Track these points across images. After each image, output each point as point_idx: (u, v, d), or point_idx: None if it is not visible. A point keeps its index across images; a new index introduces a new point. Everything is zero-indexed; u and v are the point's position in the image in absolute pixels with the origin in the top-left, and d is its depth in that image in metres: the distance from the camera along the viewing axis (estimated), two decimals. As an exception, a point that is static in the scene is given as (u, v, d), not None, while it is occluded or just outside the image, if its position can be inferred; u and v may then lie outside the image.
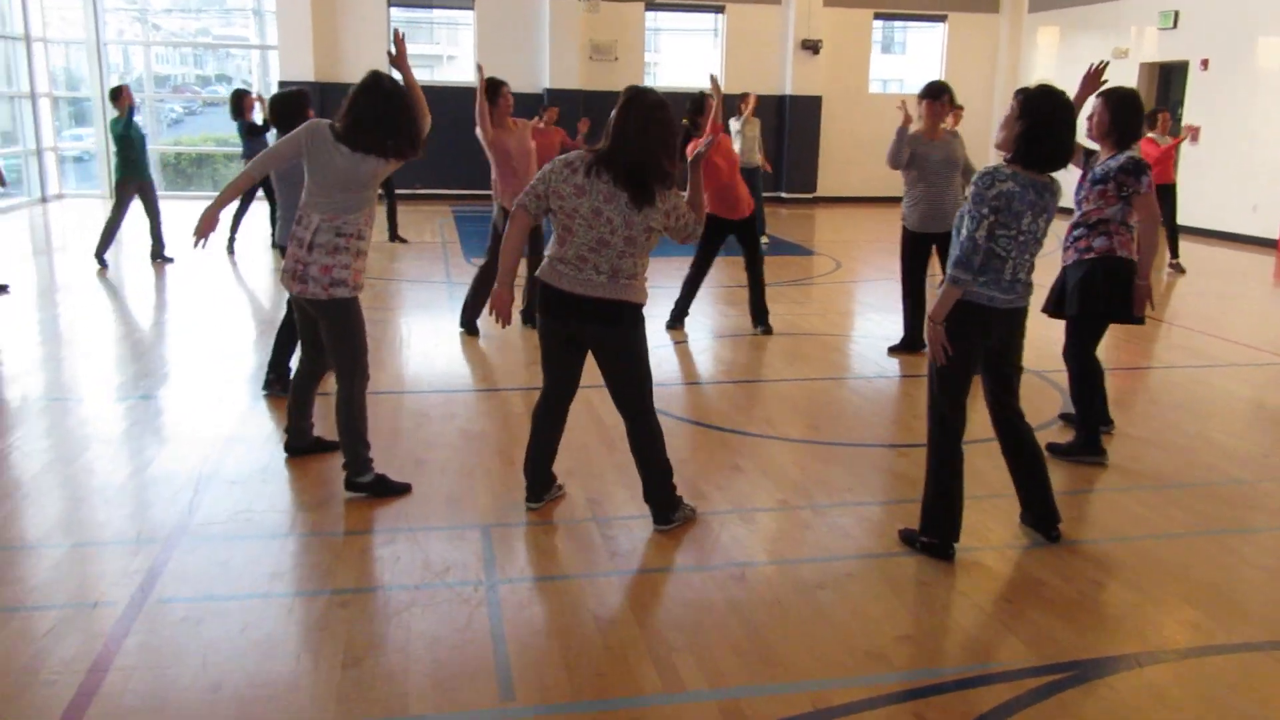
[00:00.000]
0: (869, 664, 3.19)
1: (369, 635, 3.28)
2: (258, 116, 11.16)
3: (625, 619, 3.45)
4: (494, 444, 5.16)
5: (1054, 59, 17.80)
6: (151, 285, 9.58)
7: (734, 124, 12.69)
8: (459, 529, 4.15)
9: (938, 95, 6.70)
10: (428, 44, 19.09)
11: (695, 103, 7.50)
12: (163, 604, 3.45)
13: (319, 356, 4.68)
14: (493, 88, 7.18)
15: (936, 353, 3.76)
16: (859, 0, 18.48)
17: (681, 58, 19.66)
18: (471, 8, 17.40)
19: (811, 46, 18.04)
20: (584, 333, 3.95)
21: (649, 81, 18.42)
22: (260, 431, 5.30)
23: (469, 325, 7.56)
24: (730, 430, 5.51)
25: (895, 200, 16.70)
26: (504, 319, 3.96)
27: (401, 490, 4.46)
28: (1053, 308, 5.11)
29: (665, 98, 3.80)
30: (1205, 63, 14.62)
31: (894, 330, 7.87)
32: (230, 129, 12.60)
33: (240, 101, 11.08)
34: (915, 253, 6.99)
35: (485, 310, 7.55)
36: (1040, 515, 4.12)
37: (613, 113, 3.76)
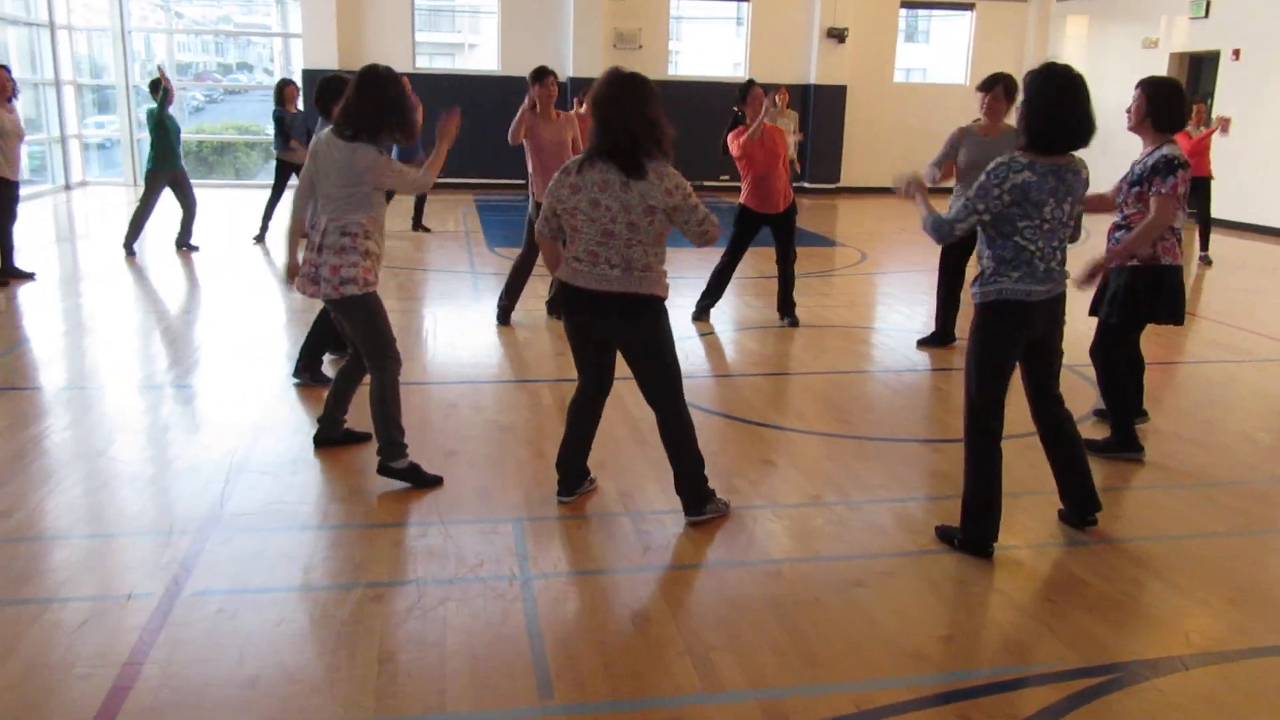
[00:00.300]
0: (911, 664, 3.14)
1: (404, 630, 3.25)
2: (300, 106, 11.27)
3: (662, 615, 3.41)
4: (523, 436, 5.13)
5: (1083, 48, 17.57)
6: (178, 273, 9.58)
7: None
8: (491, 522, 4.12)
9: (990, 87, 6.37)
10: (450, 32, 19.03)
11: (741, 91, 7.41)
12: (197, 597, 3.43)
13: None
14: (538, 75, 7.19)
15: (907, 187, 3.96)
16: (884, -12, 18.33)
17: (706, 46, 19.53)
18: (494, -5, 17.35)
19: (837, 35, 17.89)
20: (606, 328, 3.93)
21: (671, 70, 18.31)
22: (289, 421, 5.28)
23: (503, 316, 7.54)
24: (761, 424, 5.46)
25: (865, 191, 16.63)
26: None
27: (433, 482, 4.46)
28: (1092, 310, 5.02)
29: (639, 74, 3.74)
30: (1237, 53, 14.40)
31: (922, 323, 7.80)
32: (254, 116, 12.63)
33: (283, 91, 11.15)
34: (957, 249, 6.76)
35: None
36: (1078, 503, 4.07)
37: (589, 99, 3.74)
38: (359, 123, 4.22)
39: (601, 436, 4.77)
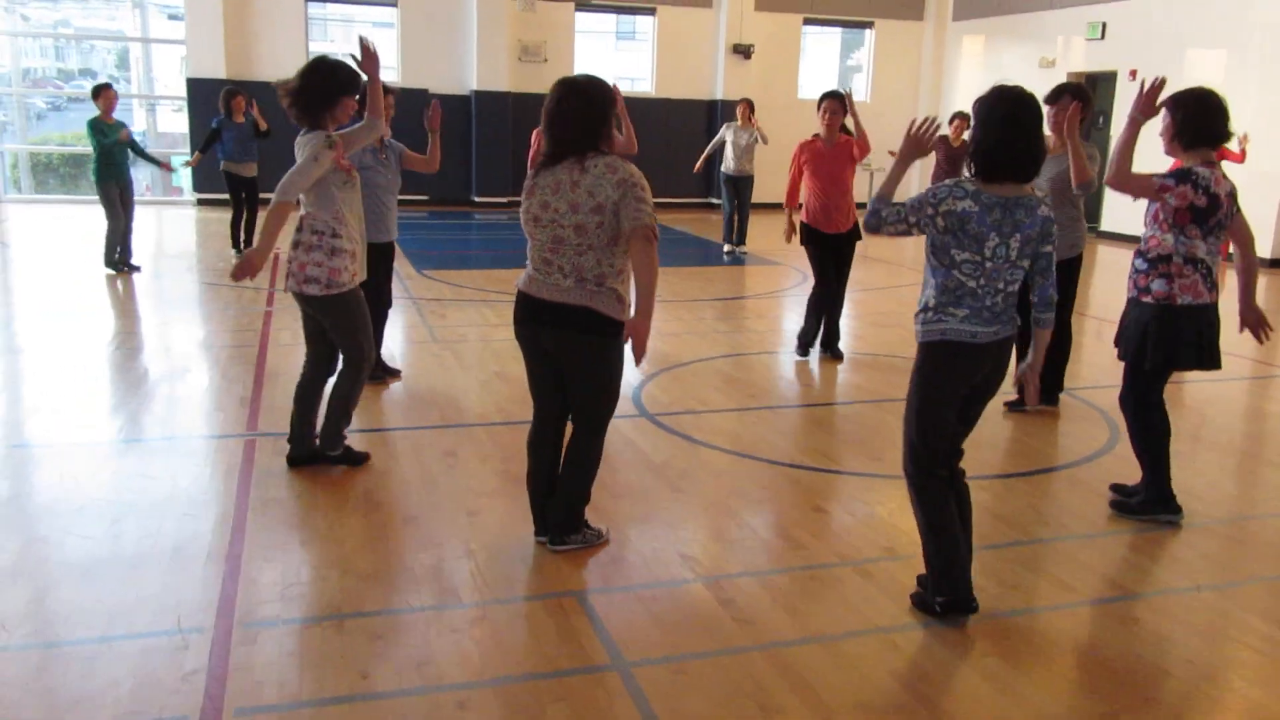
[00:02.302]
0: None
1: (513, 747, 2.75)
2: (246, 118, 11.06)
3: (794, 707, 3.00)
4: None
5: (980, 67, 18.01)
6: (121, 297, 8.63)
7: (727, 132, 12.55)
8: (551, 598, 3.63)
9: (1056, 99, 5.56)
10: (346, 43, 18.10)
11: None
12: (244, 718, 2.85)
13: (322, 362, 4.83)
14: None
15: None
16: (788, 5, 18.39)
17: (611, 61, 19.21)
18: (395, 5, 16.60)
19: (743, 51, 17.85)
20: (554, 340, 3.75)
21: (578, 85, 17.90)
22: (272, 472, 4.65)
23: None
24: (797, 465, 5.11)
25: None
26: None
27: (361, 459, 4.81)
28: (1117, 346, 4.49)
29: (590, 79, 3.68)
30: (1134, 73, 14.95)
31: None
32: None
33: (230, 101, 10.86)
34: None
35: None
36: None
37: (546, 102, 3.68)
38: (300, 112, 4.43)
39: (629, 487, 4.44)
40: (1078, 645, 3.46)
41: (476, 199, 17.13)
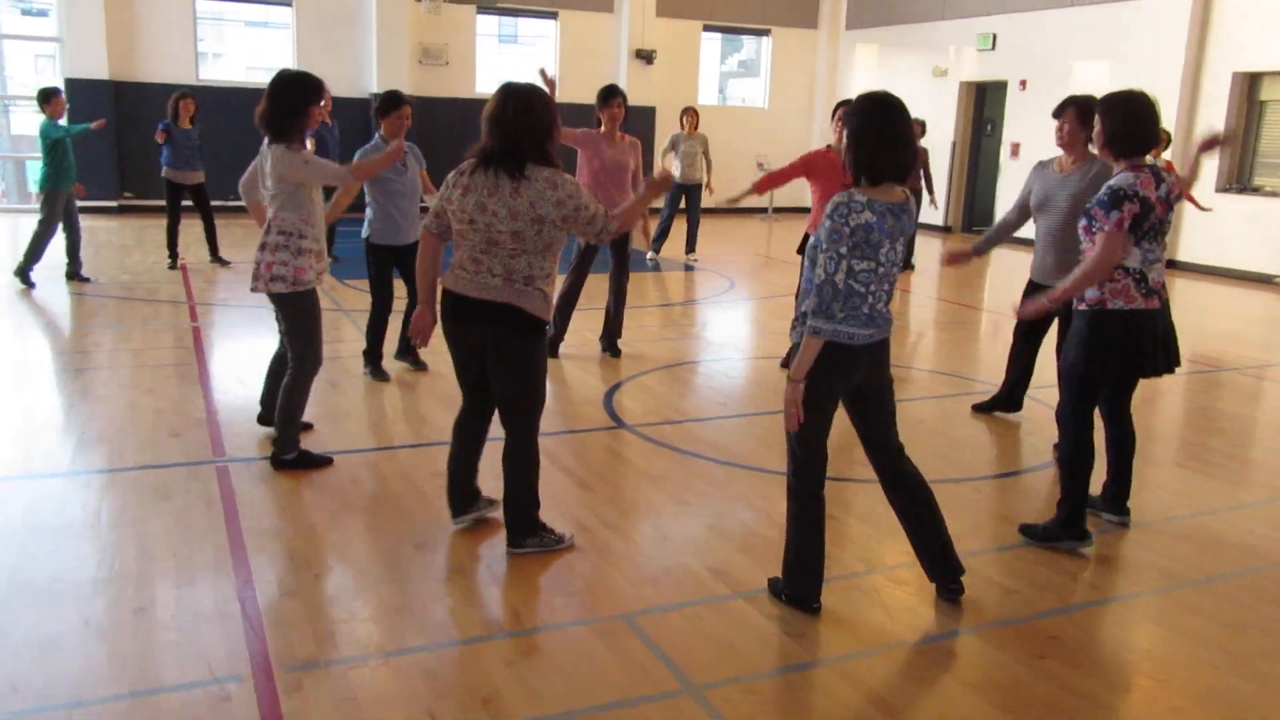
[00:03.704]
0: None
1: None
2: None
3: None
4: (604, 496, 4.47)
5: (874, 74, 18.52)
6: (80, 311, 7.98)
7: (678, 141, 12.57)
8: (597, 622, 3.52)
9: (1059, 113, 5.31)
10: (236, 42, 17.36)
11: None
12: (321, 771, 2.65)
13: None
14: (607, 96, 6.95)
15: (791, 418, 3.39)
16: (689, 11, 18.53)
17: (514, 64, 18.96)
18: (290, 4, 15.99)
19: (645, 56, 17.89)
20: (481, 336, 3.80)
21: (479, 89, 17.64)
22: (256, 499, 4.37)
23: (553, 350, 7.20)
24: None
25: (726, 212, 16.87)
26: (422, 339, 4.06)
27: (323, 462, 4.85)
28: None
29: (535, 87, 3.74)
30: (1024, 83, 15.63)
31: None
32: None
33: (178, 105, 10.45)
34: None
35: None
36: (936, 568, 3.70)
37: (487, 105, 3.72)
38: (276, 125, 4.61)
39: (634, 502, 4.35)
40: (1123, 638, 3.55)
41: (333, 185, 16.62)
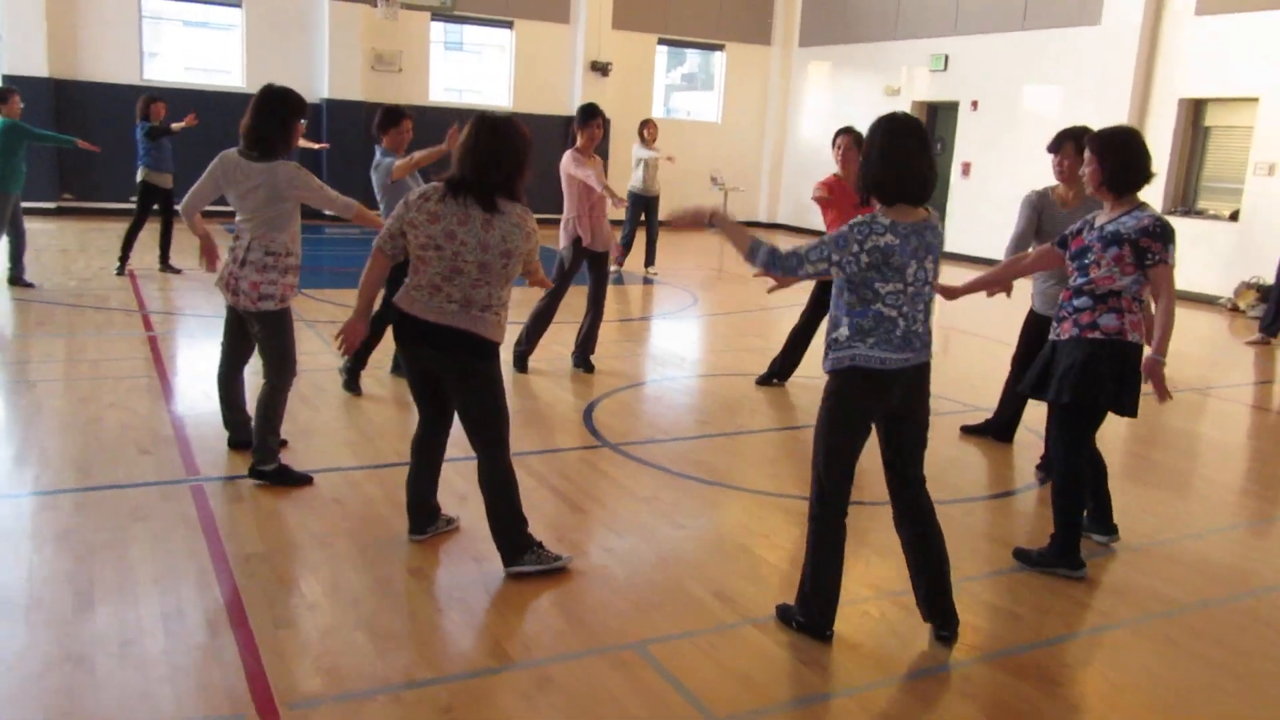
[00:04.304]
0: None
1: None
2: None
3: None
4: (597, 520, 4.37)
5: (826, 92, 18.71)
6: (27, 318, 7.60)
7: (637, 151, 12.51)
8: (608, 652, 3.43)
9: (1056, 148, 5.30)
10: (190, 44, 16.88)
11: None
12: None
13: (237, 353, 5.00)
14: (588, 115, 6.85)
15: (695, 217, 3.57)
16: (644, 25, 18.53)
17: (468, 72, 18.77)
18: (239, 5, 15.63)
19: (600, 69, 17.84)
20: (435, 361, 3.83)
21: (433, 96, 17.44)
22: (237, 521, 4.19)
23: (520, 363, 7.11)
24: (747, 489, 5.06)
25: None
26: (348, 349, 4.09)
27: (303, 480, 4.74)
28: (1032, 389, 4.27)
29: (512, 122, 3.76)
30: (975, 104, 15.90)
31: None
32: None
33: (149, 106, 10.19)
34: (1036, 337, 5.48)
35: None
36: (932, 611, 3.62)
37: (462, 135, 3.74)
38: (266, 142, 4.52)
39: (629, 524, 4.25)
40: (1130, 664, 3.56)
41: (328, 212, 16.29)
